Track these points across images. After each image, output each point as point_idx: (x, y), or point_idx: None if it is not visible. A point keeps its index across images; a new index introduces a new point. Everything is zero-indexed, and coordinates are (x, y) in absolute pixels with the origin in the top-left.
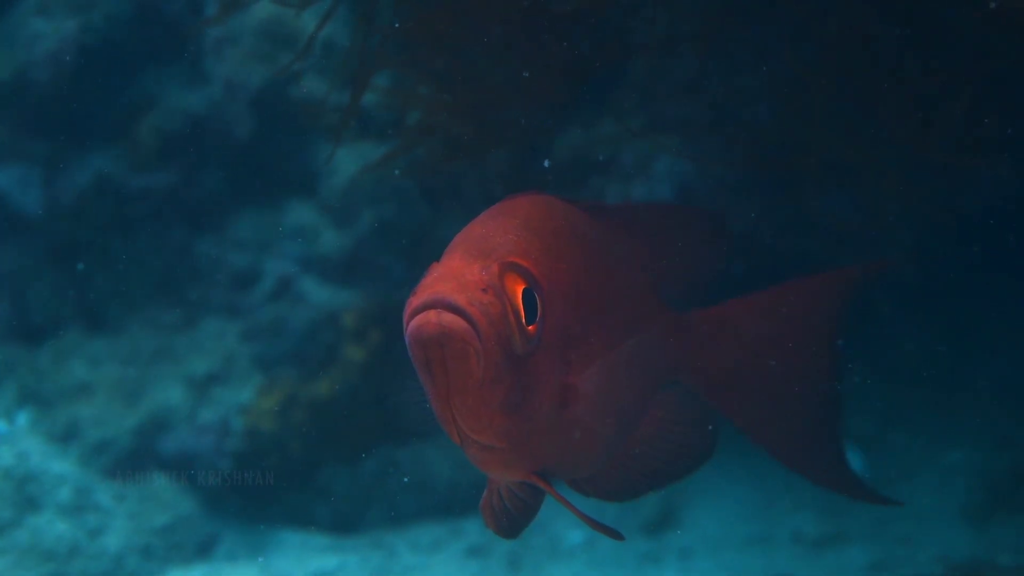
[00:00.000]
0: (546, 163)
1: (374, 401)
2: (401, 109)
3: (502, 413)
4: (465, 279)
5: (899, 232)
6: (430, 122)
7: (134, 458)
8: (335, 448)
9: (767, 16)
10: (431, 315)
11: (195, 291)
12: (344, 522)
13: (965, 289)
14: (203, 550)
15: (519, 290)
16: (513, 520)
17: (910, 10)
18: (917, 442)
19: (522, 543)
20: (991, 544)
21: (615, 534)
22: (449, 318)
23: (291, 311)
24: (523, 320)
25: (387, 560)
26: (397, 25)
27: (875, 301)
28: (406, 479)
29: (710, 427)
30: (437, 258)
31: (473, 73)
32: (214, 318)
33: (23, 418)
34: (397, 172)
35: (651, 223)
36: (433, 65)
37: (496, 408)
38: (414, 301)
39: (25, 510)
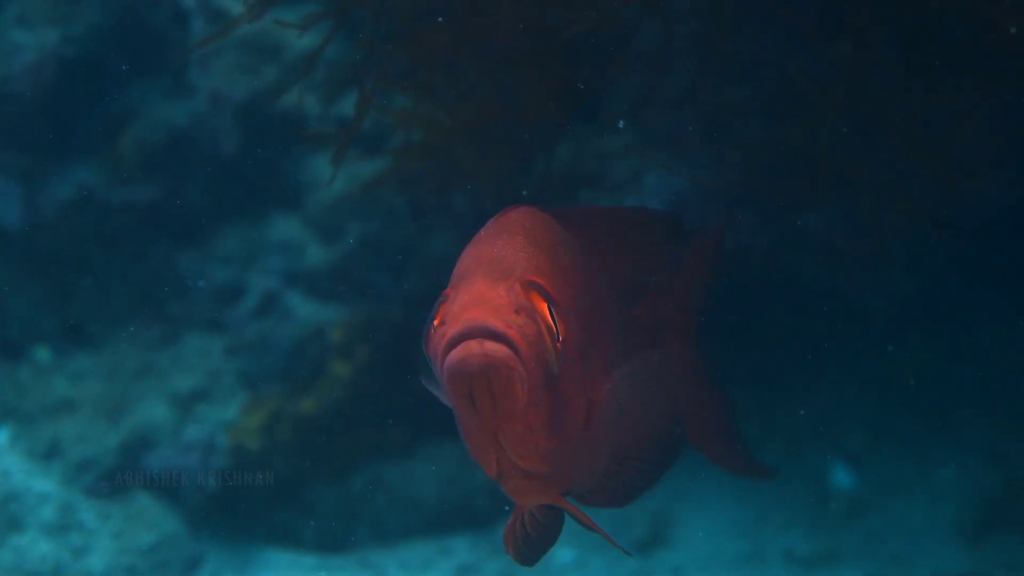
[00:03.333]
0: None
1: (365, 415)
2: (404, 128)
3: (546, 436)
4: (496, 302)
5: (893, 248)
6: (427, 142)
7: (117, 476)
8: (322, 465)
9: (768, 31)
10: (472, 345)
11: (179, 306)
12: (331, 540)
13: (959, 305)
14: (189, 569)
15: (545, 308)
16: (533, 546)
17: (919, 31)
18: (909, 458)
19: (511, 561)
20: (985, 562)
21: (626, 551)
22: (492, 346)
23: (276, 327)
24: (556, 339)
25: None
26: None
27: (869, 316)
28: (393, 496)
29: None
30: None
31: (472, 93)
32: (198, 334)
33: (3, 435)
34: (386, 188)
35: (610, 226)
36: (432, 84)
37: (541, 432)
38: (449, 331)
39: (8, 529)
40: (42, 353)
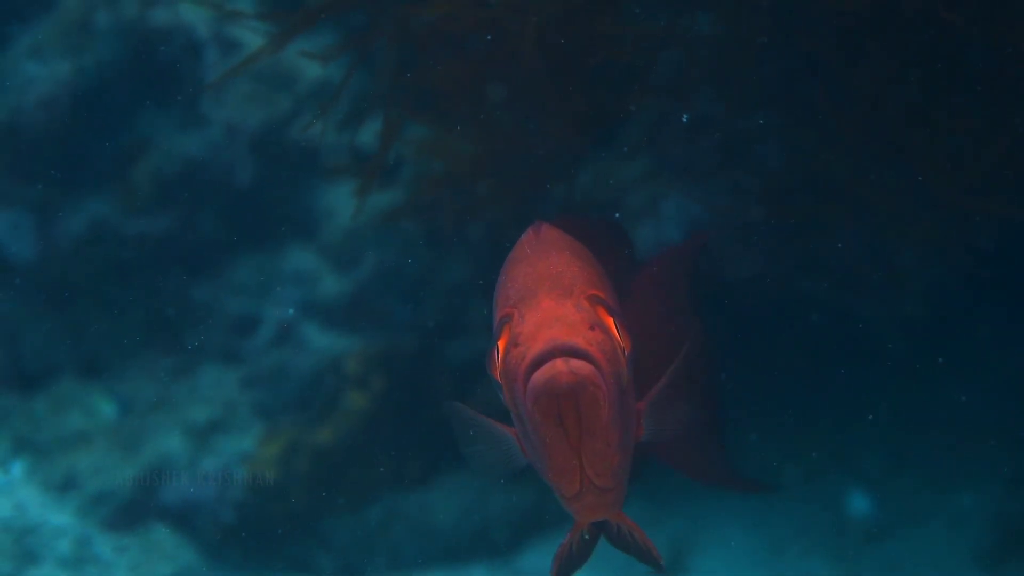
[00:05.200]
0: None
1: (381, 445)
2: (426, 158)
3: (619, 452)
4: (570, 319)
5: (910, 273)
6: (448, 171)
7: (134, 509)
8: (338, 496)
9: (787, 57)
10: (559, 365)
11: (194, 338)
12: (348, 571)
13: (976, 330)
14: None
15: (611, 323)
16: (572, 564)
17: (940, 56)
18: (927, 484)
19: None
20: None
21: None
22: (578, 364)
23: (292, 357)
24: (624, 352)
25: None
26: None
27: (886, 341)
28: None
29: None
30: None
31: (493, 122)
32: (213, 365)
33: (18, 468)
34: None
35: (587, 234)
36: (454, 114)
37: (616, 448)
38: (529, 352)
39: (25, 563)
40: (57, 386)
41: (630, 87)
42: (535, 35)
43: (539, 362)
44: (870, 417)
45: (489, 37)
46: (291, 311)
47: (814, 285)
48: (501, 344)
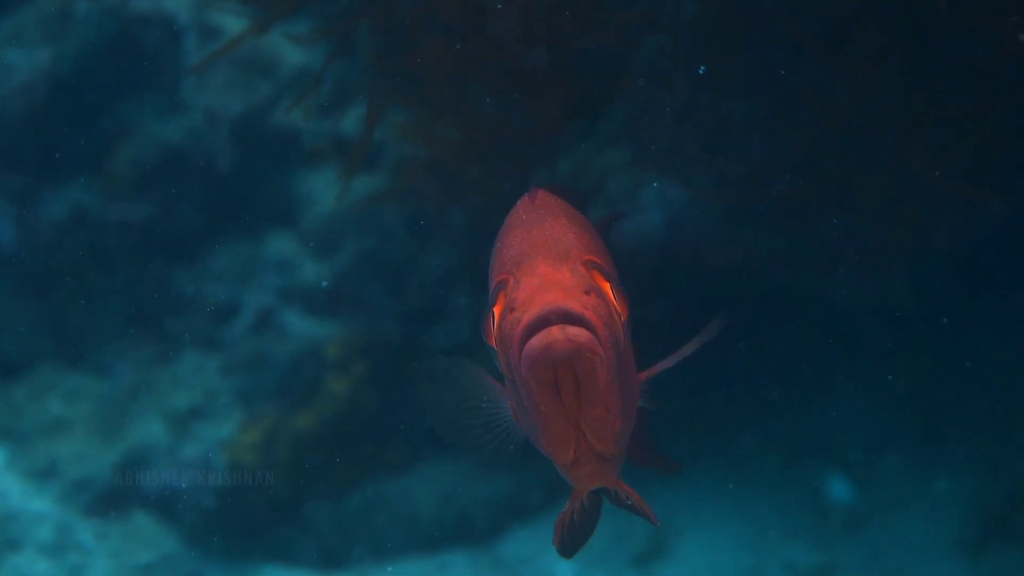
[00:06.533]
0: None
1: (362, 431)
2: (411, 143)
3: (621, 416)
4: (566, 284)
5: (893, 260)
6: (432, 157)
7: (115, 495)
8: (319, 482)
9: (771, 43)
10: (555, 331)
11: (174, 325)
12: (329, 557)
13: (958, 317)
14: None
15: (608, 287)
16: (576, 536)
17: (924, 40)
18: (908, 470)
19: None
20: (986, 573)
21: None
22: (575, 331)
23: (272, 344)
24: (620, 317)
25: None
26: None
27: (867, 329)
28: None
29: None
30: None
31: (477, 108)
32: (194, 352)
33: (0, 456)
34: (384, 204)
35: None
36: (438, 100)
37: (617, 413)
38: (525, 317)
39: (6, 550)
40: (37, 373)
41: (613, 73)
42: (519, 20)
43: (534, 328)
44: (851, 404)
45: (473, 21)
46: (271, 299)
47: (796, 272)
48: (497, 310)
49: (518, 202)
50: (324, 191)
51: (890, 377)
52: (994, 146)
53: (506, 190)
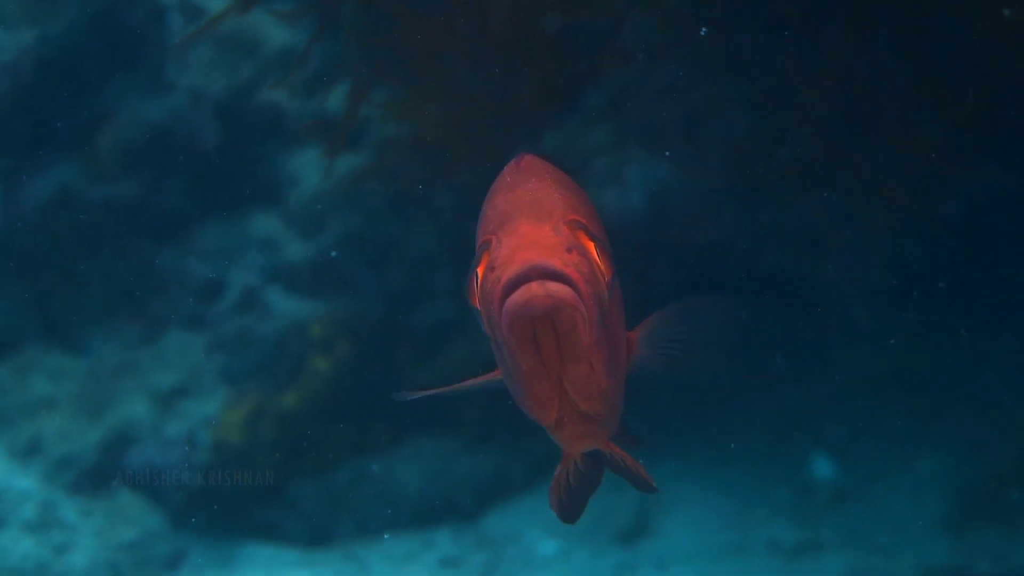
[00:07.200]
0: None
1: (346, 410)
2: (395, 121)
3: (606, 376)
4: (547, 242)
5: (876, 241)
6: (416, 135)
7: (99, 473)
8: (304, 460)
9: (752, 25)
10: (534, 287)
11: (159, 304)
12: (314, 535)
13: (941, 297)
14: (171, 566)
15: (592, 247)
16: (575, 500)
17: (909, 15)
18: (891, 449)
19: (495, 554)
20: (967, 552)
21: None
22: (554, 287)
23: (257, 323)
24: (604, 276)
25: (359, 572)
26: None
27: (851, 309)
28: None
29: None
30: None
31: (462, 85)
32: (179, 331)
33: None
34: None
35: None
36: (422, 77)
37: (602, 372)
38: (504, 274)
39: None
40: (22, 352)
41: (597, 50)
42: None
43: (514, 284)
44: (834, 383)
45: None
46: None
47: (780, 251)
48: (480, 271)
49: (505, 167)
50: (308, 170)
51: (874, 356)
52: (978, 123)
53: (490, 169)
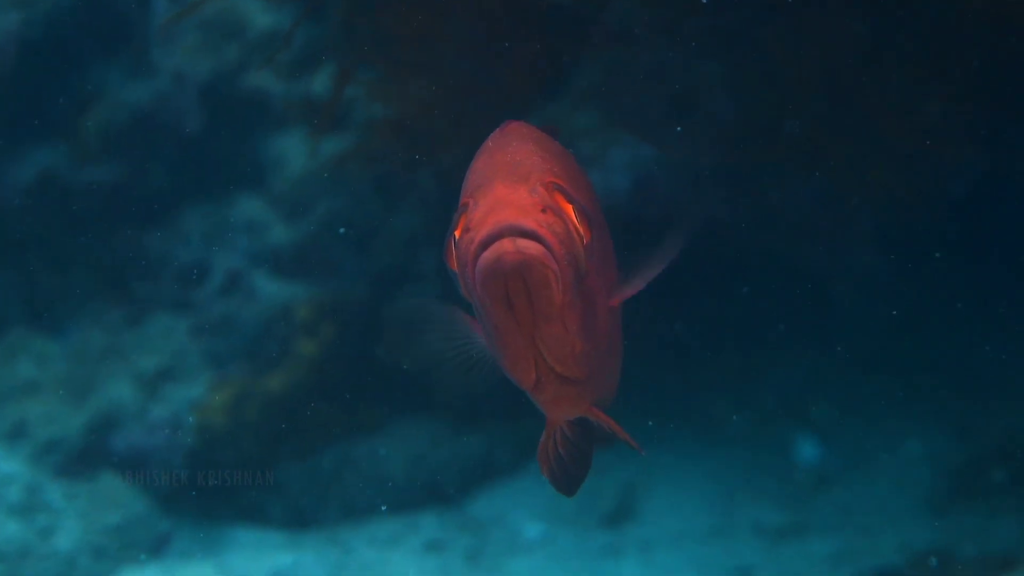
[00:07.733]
0: None
1: (332, 393)
2: (381, 103)
3: (582, 338)
4: (521, 203)
5: (861, 222)
6: (402, 116)
7: (84, 457)
8: (289, 444)
9: (739, 4)
10: (506, 244)
11: (144, 287)
12: (299, 518)
13: (926, 280)
14: (156, 549)
15: (569, 209)
16: (569, 471)
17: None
18: (875, 431)
19: (480, 537)
20: (951, 533)
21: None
22: (525, 243)
23: (242, 306)
24: (582, 238)
25: (344, 556)
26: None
27: (836, 290)
28: (362, 474)
29: None
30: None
31: (448, 67)
32: (163, 314)
33: None
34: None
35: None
36: (408, 59)
37: (577, 333)
38: (478, 234)
39: None
40: (6, 336)
41: (583, 32)
42: None
43: (486, 243)
44: (820, 365)
45: None
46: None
47: (765, 233)
48: (457, 233)
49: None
50: (293, 153)
51: (861, 338)
52: (969, 102)
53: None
